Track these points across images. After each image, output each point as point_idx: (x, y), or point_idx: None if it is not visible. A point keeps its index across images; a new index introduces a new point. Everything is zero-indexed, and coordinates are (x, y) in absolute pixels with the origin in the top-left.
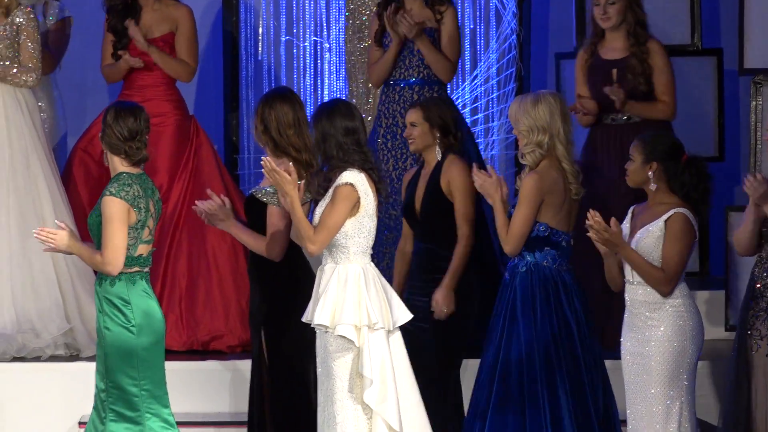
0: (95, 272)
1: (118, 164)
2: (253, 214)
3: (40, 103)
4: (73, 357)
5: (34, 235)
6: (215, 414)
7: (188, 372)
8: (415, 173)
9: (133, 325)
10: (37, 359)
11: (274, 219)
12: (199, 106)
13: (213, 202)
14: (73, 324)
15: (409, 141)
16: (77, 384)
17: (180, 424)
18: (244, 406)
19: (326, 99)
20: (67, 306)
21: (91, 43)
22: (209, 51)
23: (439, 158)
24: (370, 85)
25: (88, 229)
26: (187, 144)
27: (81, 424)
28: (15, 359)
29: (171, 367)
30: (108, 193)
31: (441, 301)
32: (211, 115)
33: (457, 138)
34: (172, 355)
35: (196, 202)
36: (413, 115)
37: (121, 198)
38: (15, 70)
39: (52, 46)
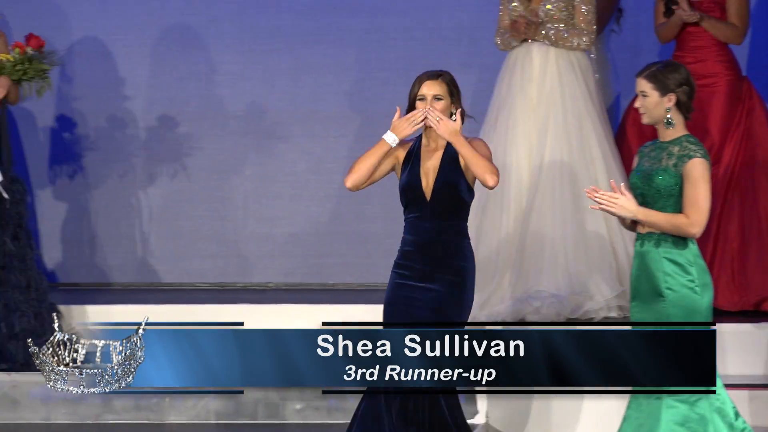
0: (633, 230)
1: (683, 124)
2: None
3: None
4: (625, 320)
5: (587, 194)
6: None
7: (740, 333)
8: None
9: (697, 285)
10: (590, 321)
11: None
12: (752, 67)
13: None
14: (625, 287)
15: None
16: None
17: (731, 386)
18: None
19: None
20: (619, 266)
21: (643, 3)
22: (760, 10)
23: None
24: None
25: (634, 186)
26: (739, 105)
27: None
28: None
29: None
30: (699, 155)
31: None
32: (765, 75)
33: None
34: (723, 316)
35: None
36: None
37: (708, 159)
38: (567, 34)
39: (598, 9)
